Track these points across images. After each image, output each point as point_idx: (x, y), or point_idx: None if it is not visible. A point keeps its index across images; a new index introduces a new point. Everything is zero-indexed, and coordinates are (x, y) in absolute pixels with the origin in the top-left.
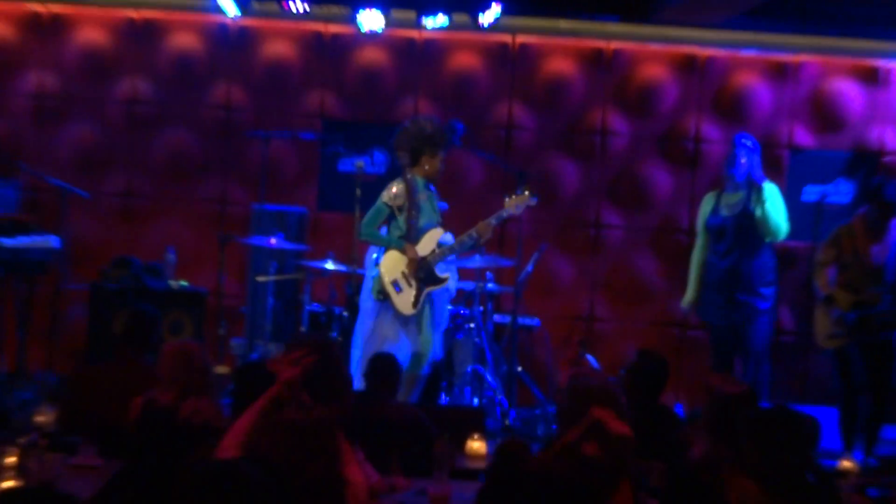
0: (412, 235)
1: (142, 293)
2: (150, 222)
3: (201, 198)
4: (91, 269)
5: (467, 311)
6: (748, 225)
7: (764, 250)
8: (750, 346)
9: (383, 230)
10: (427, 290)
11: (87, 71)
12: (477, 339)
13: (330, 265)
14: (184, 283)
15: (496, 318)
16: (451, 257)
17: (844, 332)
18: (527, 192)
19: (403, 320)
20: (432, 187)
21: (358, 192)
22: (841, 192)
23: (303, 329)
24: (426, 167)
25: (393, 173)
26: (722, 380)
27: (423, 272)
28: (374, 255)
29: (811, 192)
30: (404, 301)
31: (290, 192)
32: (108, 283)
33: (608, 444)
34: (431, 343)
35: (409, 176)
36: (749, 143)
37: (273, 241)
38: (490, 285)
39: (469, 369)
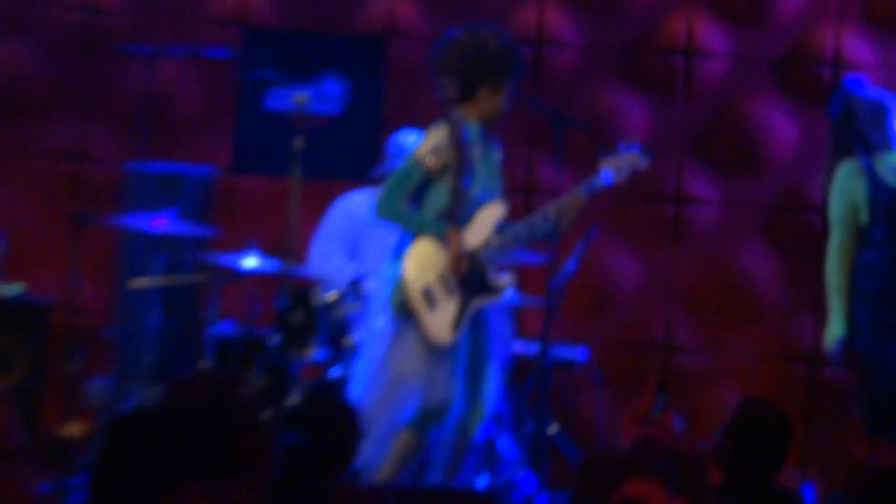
0: (458, 213)
1: None
2: None
3: (45, 151)
4: None
5: None
6: None
7: None
8: None
9: (411, 205)
10: (474, 303)
11: None
12: None
13: (251, 261)
14: (15, 288)
15: (518, 347)
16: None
17: None
18: (634, 149)
19: (434, 351)
20: (493, 142)
21: (298, 142)
22: None
23: (205, 364)
24: (484, 105)
25: (356, 113)
26: (878, 449)
27: (471, 274)
28: (393, 243)
29: None
30: (439, 321)
31: (188, 142)
32: None
33: None
34: (488, 389)
35: (456, 118)
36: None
37: (160, 221)
38: (507, 294)
39: None
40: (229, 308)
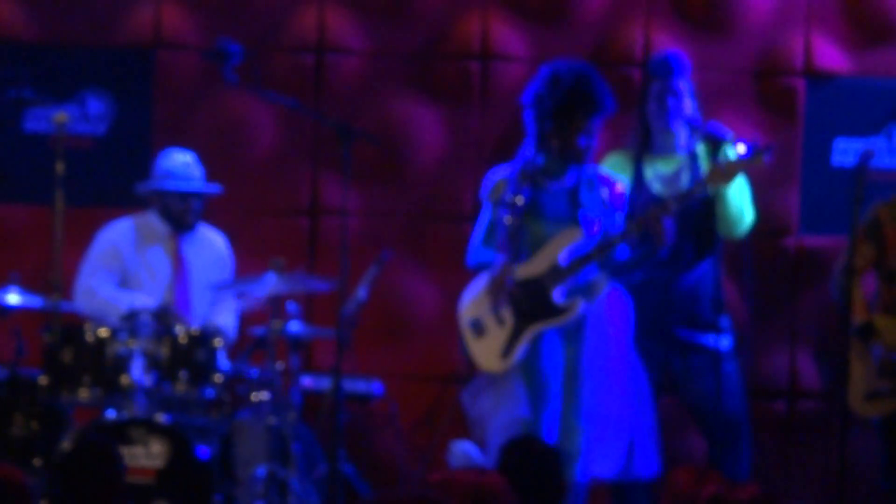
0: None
1: None
2: None
3: None
4: None
5: (256, 372)
6: (703, 211)
7: (718, 254)
8: (724, 415)
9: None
10: (533, 328)
11: None
12: (274, 420)
13: (13, 297)
14: None
15: (306, 381)
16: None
17: (893, 385)
18: (762, 150)
19: (495, 381)
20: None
21: (59, 166)
22: None
23: None
24: None
25: (122, 132)
26: (699, 478)
27: (528, 300)
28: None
29: (845, 151)
30: (486, 350)
31: None
32: None
33: None
34: (580, 422)
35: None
36: (682, 68)
37: None
38: (294, 326)
39: (261, 472)
40: None
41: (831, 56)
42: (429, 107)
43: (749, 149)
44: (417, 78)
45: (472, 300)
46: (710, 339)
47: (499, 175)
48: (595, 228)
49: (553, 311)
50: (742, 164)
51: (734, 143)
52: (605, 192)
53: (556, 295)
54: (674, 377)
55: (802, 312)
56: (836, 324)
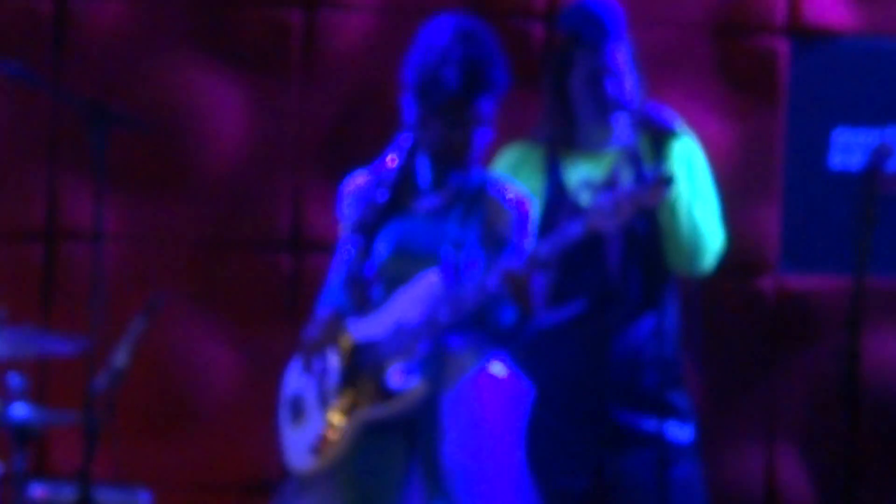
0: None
1: None
2: None
3: None
4: None
5: None
6: (652, 239)
7: (673, 300)
8: None
9: None
10: (360, 414)
11: None
12: None
13: None
14: None
15: (38, 490)
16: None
17: None
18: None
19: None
20: None
21: None
22: None
23: None
24: None
25: None
26: None
27: (359, 375)
28: None
29: (849, 147)
30: (298, 441)
31: None
32: None
33: None
34: None
35: None
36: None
37: None
38: (19, 408)
39: None
40: None
41: (827, 5)
42: (225, 77)
43: (649, 178)
44: (208, 34)
45: (299, 368)
46: (657, 426)
47: (357, 183)
48: (467, 269)
49: (386, 393)
50: (635, 200)
51: (682, 134)
52: (503, 214)
53: (393, 371)
54: (605, 479)
55: (784, 388)
56: (837, 405)
